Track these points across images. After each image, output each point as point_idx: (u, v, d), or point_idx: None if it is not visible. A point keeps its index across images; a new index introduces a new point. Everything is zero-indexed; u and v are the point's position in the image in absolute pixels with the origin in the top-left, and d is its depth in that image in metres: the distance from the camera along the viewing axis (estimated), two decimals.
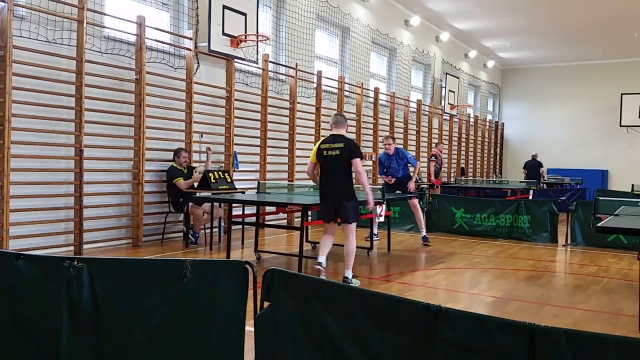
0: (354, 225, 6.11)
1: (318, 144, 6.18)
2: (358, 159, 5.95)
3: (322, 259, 6.03)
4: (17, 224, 6.86)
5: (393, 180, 9.19)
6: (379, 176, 9.41)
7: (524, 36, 19.13)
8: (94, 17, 7.83)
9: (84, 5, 7.45)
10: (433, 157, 13.54)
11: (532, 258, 8.19)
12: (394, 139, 9.45)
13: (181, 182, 8.52)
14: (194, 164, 9.20)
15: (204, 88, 9.54)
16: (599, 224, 5.03)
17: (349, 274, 5.99)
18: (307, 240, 8.36)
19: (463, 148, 20.61)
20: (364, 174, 6.15)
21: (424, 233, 9.32)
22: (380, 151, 10.32)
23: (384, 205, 8.22)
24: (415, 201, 9.32)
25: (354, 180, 6.17)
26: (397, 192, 9.20)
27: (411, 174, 9.27)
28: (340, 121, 6.16)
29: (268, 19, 11.50)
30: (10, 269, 3.01)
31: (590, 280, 6.72)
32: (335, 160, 5.96)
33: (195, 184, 8.71)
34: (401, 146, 14.95)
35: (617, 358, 2.01)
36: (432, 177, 13.39)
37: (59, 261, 2.92)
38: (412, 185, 9.12)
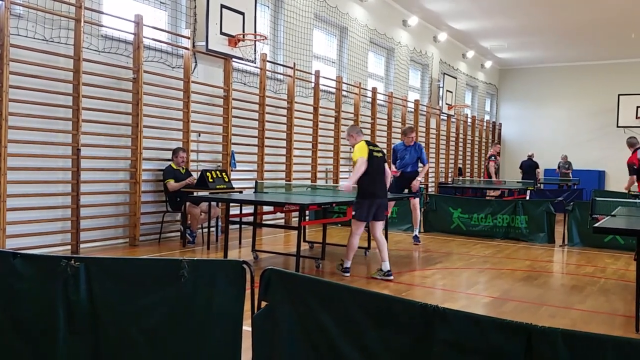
0: None
1: (364, 144, 6.52)
2: None
3: (349, 264, 6.65)
4: (14, 223, 6.84)
5: (399, 172, 9.19)
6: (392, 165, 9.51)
7: (522, 36, 19.16)
8: (92, 16, 7.82)
9: (82, 4, 7.43)
10: (492, 157, 13.82)
11: (529, 258, 8.20)
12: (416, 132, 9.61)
13: (171, 184, 8.50)
14: (192, 164, 9.18)
15: (201, 87, 9.54)
16: (596, 225, 5.04)
17: (387, 266, 6.47)
18: (304, 240, 8.35)
19: (461, 148, 20.63)
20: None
21: (416, 232, 9.38)
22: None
23: None
24: (417, 201, 9.34)
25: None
26: (404, 190, 9.20)
27: (419, 171, 9.31)
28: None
29: (266, 18, 11.49)
30: (7, 268, 3.00)
31: (587, 281, 6.73)
32: (380, 162, 6.60)
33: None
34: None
35: (614, 358, 2.01)
36: (494, 177, 13.73)
37: (56, 260, 2.91)
38: (416, 184, 9.16)
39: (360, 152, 6.43)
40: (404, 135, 9.39)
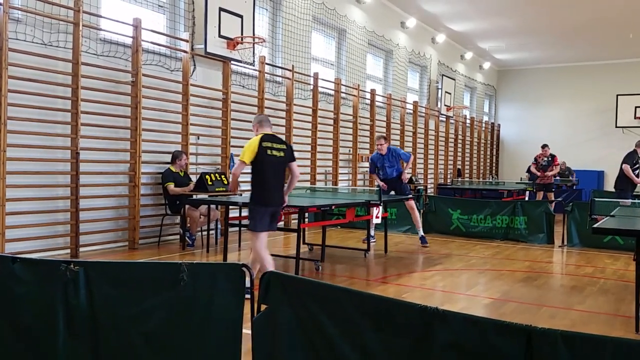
0: None
1: (257, 141, 5.41)
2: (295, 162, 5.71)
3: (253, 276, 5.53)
4: (13, 227, 6.84)
5: (386, 186, 9.20)
6: (370, 174, 9.48)
7: (520, 37, 19.18)
8: (90, 20, 7.82)
9: (80, 8, 7.44)
10: (534, 160, 14.33)
11: (528, 259, 8.20)
12: (386, 138, 9.38)
13: (172, 188, 8.50)
14: (191, 167, 9.17)
15: (200, 90, 9.54)
16: (595, 225, 5.05)
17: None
18: (304, 242, 8.35)
19: (459, 149, 20.64)
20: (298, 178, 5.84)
21: (421, 233, 9.31)
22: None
23: (380, 207, 8.22)
24: (412, 202, 9.33)
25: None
26: (392, 192, 9.19)
27: (403, 168, 9.27)
28: (268, 120, 5.85)
29: (264, 20, 11.50)
30: (6, 272, 3.00)
31: (586, 281, 6.74)
32: (280, 161, 5.53)
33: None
34: (397, 146, 14.95)
35: (614, 359, 2.01)
36: (536, 171, 14.11)
37: (56, 264, 2.91)
38: (405, 176, 9.15)
39: (245, 153, 5.38)
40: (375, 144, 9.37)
